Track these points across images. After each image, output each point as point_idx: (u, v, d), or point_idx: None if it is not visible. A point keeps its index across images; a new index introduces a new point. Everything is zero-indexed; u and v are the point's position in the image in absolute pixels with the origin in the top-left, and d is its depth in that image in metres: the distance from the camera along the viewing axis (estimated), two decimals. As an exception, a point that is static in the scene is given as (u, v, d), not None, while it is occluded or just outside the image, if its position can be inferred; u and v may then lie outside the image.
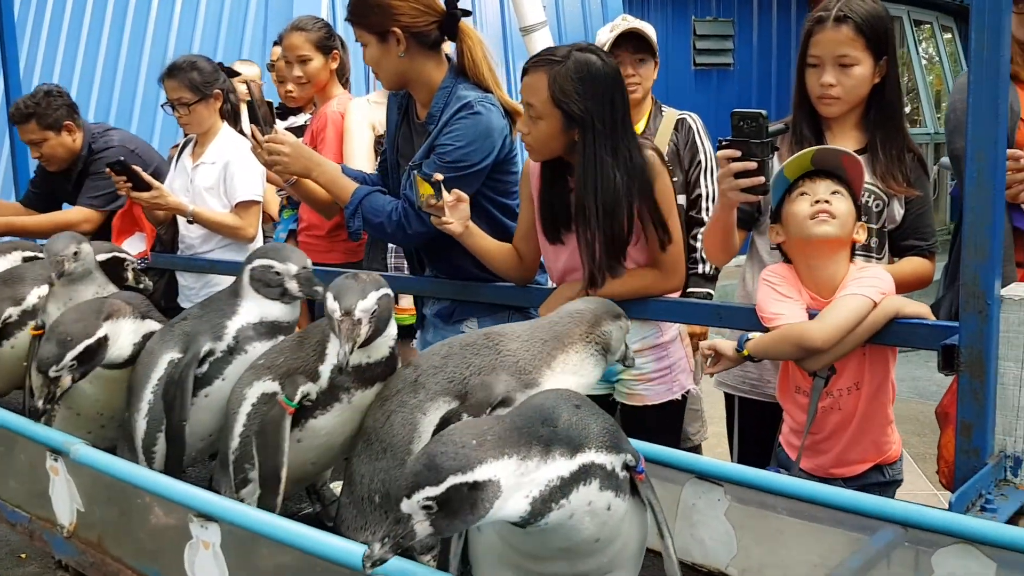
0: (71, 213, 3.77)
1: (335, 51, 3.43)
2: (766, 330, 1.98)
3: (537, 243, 2.36)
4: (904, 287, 2.07)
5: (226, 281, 3.42)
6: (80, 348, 1.72)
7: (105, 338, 1.78)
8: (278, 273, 1.78)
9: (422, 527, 1.05)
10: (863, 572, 1.18)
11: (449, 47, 2.55)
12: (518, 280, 2.44)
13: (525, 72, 2.17)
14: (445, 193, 2.21)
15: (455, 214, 2.24)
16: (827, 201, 1.90)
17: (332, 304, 1.48)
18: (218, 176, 3.39)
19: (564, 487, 1.13)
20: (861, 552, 1.19)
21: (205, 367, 1.73)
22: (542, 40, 5.13)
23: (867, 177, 2.11)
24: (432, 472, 1.05)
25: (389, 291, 1.59)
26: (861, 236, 1.95)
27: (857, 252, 2.04)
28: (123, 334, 1.86)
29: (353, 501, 1.54)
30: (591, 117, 2.09)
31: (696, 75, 9.06)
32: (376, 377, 1.53)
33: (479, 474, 1.05)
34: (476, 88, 2.44)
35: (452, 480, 1.05)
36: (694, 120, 3.17)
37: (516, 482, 1.08)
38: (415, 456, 1.13)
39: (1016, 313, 1.58)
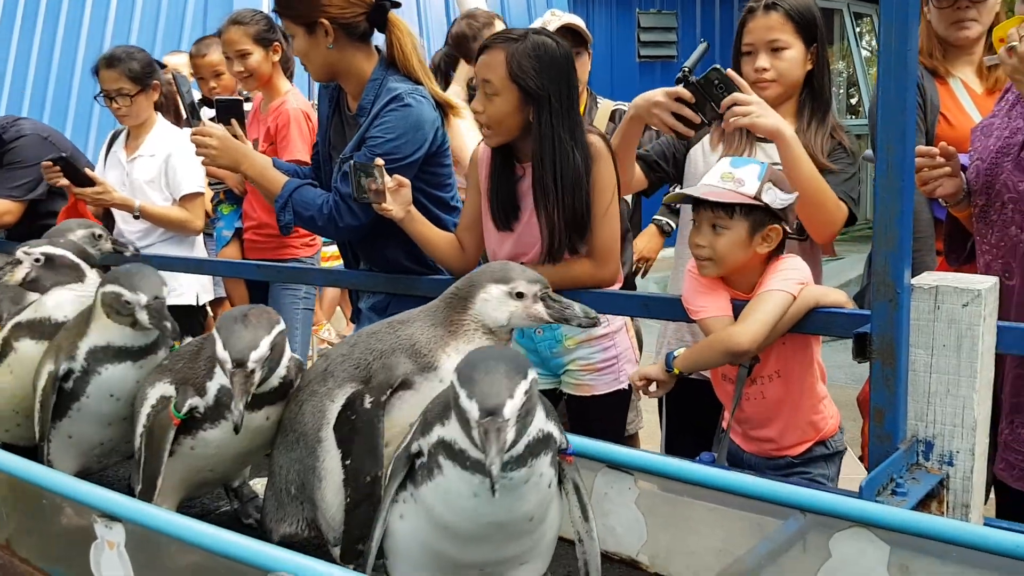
0: None
1: (276, 43, 3.35)
2: (692, 321, 2.01)
3: (481, 233, 2.36)
4: (820, 212, 2.06)
5: (170, 275, 3.41)
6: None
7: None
8: (127, 303, 1.69)
9: (512, 432, 1.09)
10: (769, 558, 1.21)
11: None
12: (458, 271, 2.42)
13: (482, 51, 2.18)
14: (386, 178, 2.20)
15: (396, 199, 2.24)
16: (702, 245, 1.91)
17: (222, 353, 1.41)
18: (159, 169, 3.35)
19: (537, 445, 1.17)
20: (767, 538, 1.22)
21: (70, 383, 1.75)
22: (485, 31, 5.13)
23: None
24: (518, 368, 1.12)
25: (282, 326, 1.53)
26: (764, 248, 1.91)
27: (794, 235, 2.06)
28: None
29: (274, 492, 1.54)
30: (548, 95, 2.11)
31: (641, 67, 9.13)
32: (265, 403, 1.50)
33: (531, 375, 1.16)
34: (407, 80, 2.42)
35: (531, 373, 1.15)
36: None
37: None
38: (481, 372, 1.14)
39: (926, 301, 1.62)
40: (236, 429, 1.40)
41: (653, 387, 2.02)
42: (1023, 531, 1.53)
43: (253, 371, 1.40)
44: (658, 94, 2.05)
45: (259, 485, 1.70)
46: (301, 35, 2.40)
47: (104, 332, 1.73)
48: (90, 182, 3.22)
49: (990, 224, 1.97)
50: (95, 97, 3.45)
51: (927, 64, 2.68)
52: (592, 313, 1.32)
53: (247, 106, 3.64)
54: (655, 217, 3.37)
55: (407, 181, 2.26)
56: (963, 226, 2.12)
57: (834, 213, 2.10)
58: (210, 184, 3.52)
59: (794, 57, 2.19)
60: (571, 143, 2.13)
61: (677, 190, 1.99)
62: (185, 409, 1.48)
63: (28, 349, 1.93)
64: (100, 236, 2.46)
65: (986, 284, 1.60)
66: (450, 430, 1.16)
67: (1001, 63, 1.81)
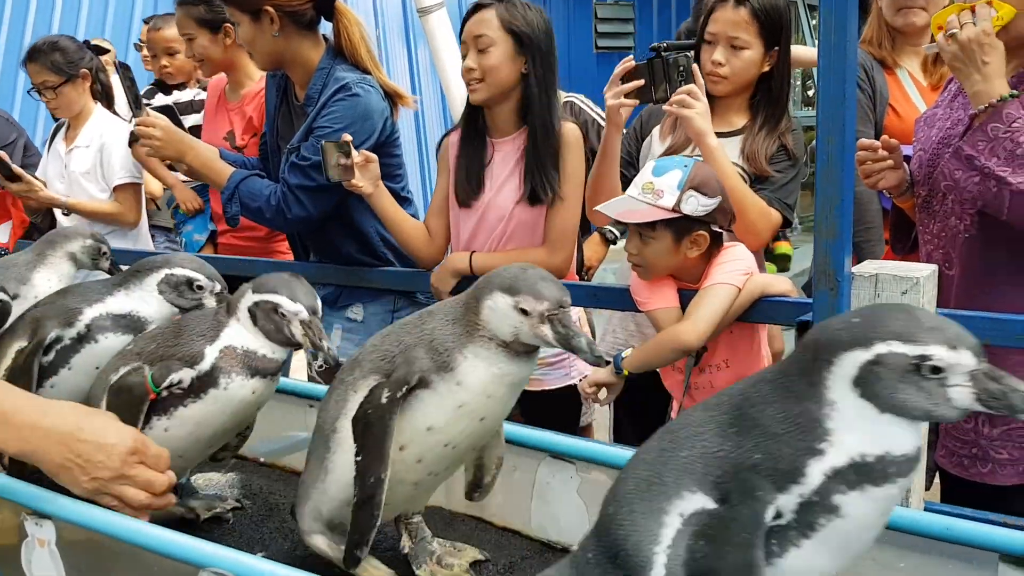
0: None
1: (226, 25, 3.07)
2: (639, 311, 2.03)
3: (448, 220, 2.36)
4: (744, 217, 2.06)
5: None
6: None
7: None
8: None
9: None
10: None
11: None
12: (424, 256, 2.42)
13: (472, 13, 2.23)
14: (355, 153, 2.20)
15: (365, 174, 2.24)
16: (632, 253, 1.94)
17: (293, 305, 1.37)
18: (94, 160, 3.27)
19: None
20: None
21: (51, 355, 1.58)
22: (439, 20, 5.11)
23: (735, 157, 2.17)
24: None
25: None
26: (693, 252, 1.91)
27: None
28: None
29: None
30: (537, 43, 2.19)
31: (598, 58, 9.16)
32: (264, 371, 1.42)
33: None
34: (354, 69, 2.41)
35: None
36: (584, 101, 3.20)
37: None
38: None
39: (867, 289, 1.64)
40: (336, 362, 1.43)
41: (603, 393, 2.02)
42: (958, 514, 1.57)
43: (322, 318, 1.40)
44: (611, 81, 2.10)
45: (201, 480, 1.66)
46: (246, 22, 2.36)
47: (126, 301, 1.59)
48: (17, 178, 3.14)
49: (932, 214, 2.00)
50: (28, 92, 3.38)
51: (876, 55, 2.71)
52: (598, 352, 1.21)
53: (182, 94, 3.53)
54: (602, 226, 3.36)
55: (374, 156, 2.26)
56: (908, 216, 2.15)
57: (757, 222, 2.12)
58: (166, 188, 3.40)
59: (751, 57, 2.19)
60: (555, 97, 2.22)
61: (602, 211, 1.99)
62: (166, 383, 1.37)
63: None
64: (104, 254, 2.23)
65: (925, 272, 1.63)
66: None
67: (940, 50, 1.83)
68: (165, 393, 1.39)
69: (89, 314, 1.60)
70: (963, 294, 1.90)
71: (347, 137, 2.21)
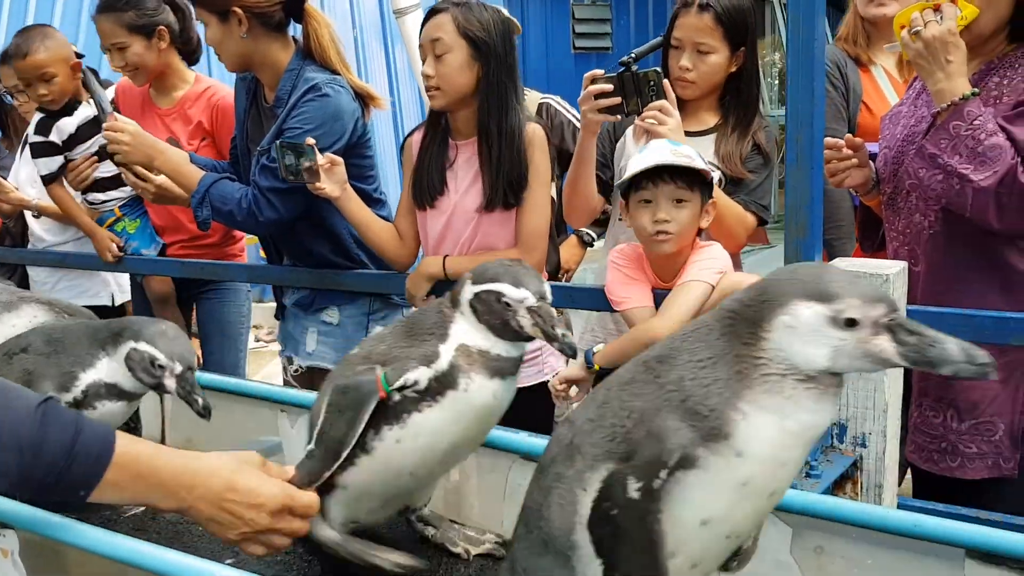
0: None
1: (160, 28, 2.85)
2: (614, 310, 2.03)
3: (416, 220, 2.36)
4: (720, 223, 2.07)
5: (80, 275, 3.31)
6: None
7: None
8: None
9: None
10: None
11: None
12: (396, 259, 2.41)
13: (429, 17, 2.21)
14: (319, 156, 2.19)
15: (331, 178, 2.23)
16: (666, 220, 1.89)
17: (519, 292, 1.22)
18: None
19: None
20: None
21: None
22: (415, 22, 5.08)
23: (708, 156, 2.17)
24: None
25: None
26: (706, 222, 1.95)
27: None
28: None
29: None
30: (494, 48, 2.17)
31: (576, 59, 9.17)
32: (503, 371, 1.28)
33: None
34: (324, 70, 2.39)
35: None
36: (560, 103, 3.19)
37: None
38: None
39: (837, 287, 1.64)
40: (573, 352, 1.26)
41: (573, 390, 2.01)
42: (928, 510, 1.58)
43: (551, 303, 1.27)
44: (583, 96, 2.07)
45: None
46: (214, 23, 2.35)
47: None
48: None
49: (897, 211, 2.01)
50: (0, 94, 3.33)
51: (850, 51, 2.73)
52: (978, 356, 0.94)
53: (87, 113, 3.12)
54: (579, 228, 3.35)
55: (340, 159, 2.25)
56: (875, 214, 2.16)
57: (734, 228, 2.14)
58: (91, 204, 3.07)
59: (717, 62, 2.20)
60: (515, 100, 2.21)
61: (630, 171, 1.97)
62: (399, 383, 1.21)
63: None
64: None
65: (894, 268, 1.64)
66: None
67: (904, 48, 1.84)
68: (398, 396, 1.25)
69: (84, 380, 1.58)
70: (929, 290, 1.91)
71: (310, 140, 2.19)
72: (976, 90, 1.79)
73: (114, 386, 1.57)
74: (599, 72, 2.08)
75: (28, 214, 3.31)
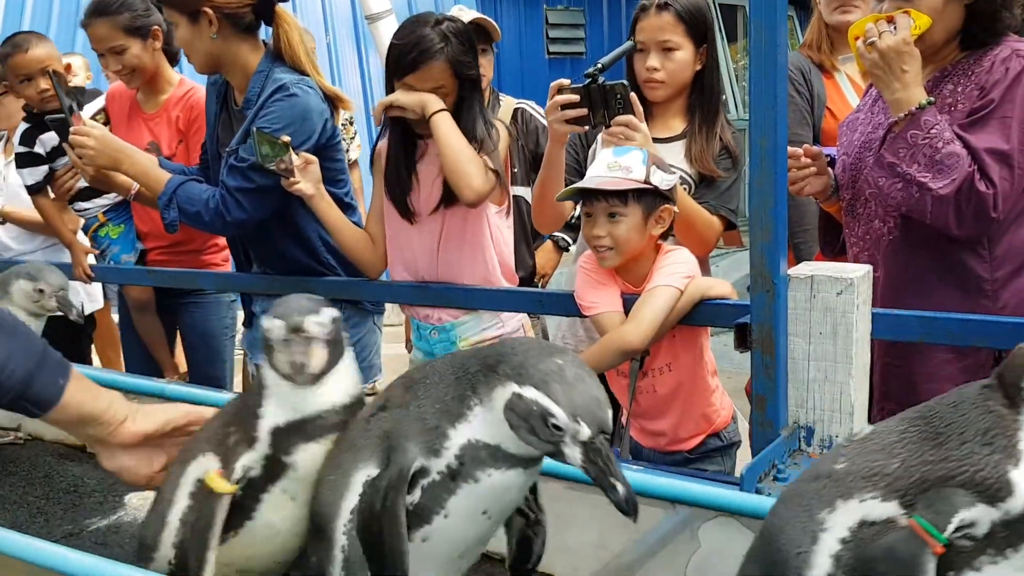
0: None
1: (154, 28, 2.86)
2: (584, 316, 2.03)
3: None
4: (690, 229, 2.11)
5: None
6: None
7: None
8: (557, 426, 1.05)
9: None
10: (645, 551, 1.21)
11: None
12: (368, 263, 2.39)
13: (419, 64, 2.12)
14: (294, 155, 2.18)
15: (306, 176, 2.22)
16: (600, 235, 1.91)
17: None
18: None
19: None
20: (643, 532, 1.23)
21: (417, 494, 1.14)
22: (387, 28, 5.08)
23: (680, 163, 2.18)
24: None
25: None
26: (658, 230, 1.94)
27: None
28: None
29: None
30: (472, 66, 2.19)
31: (550, 63, 9.20)
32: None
33: None
34: (293, 72, 2.39)
35: None
36: (534, 109, 3.20)
37: None
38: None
39: (803, 291, 1.65)
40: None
41: None
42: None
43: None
44: (550, 106, 2.07)
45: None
46: (184, 24, 2.33)
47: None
48: None
49: (856, 218, 2.03)
50: None
51: (815, 58, 2.75)
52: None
53: (99, 101, 3.19)
54: (552, 233, 3.36)
55: (314, 158, 2.24)
56: (835, 219, 2.18)
57: (704, 233, 2.17)
58: (78, 211, 3.06)
59: (684, 58, 2.22)
60: (479, 104, 2.22)
61: (563, 192, 1.99)
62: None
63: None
64: (43, 291, 2.19)
65: (859, 272, 1.65)
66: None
67: (860, 58, 1.86)
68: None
69: (455, 440, 1.12)
70: (888, 295, 1.93)
71: (286, 139, 2.19)
72: (932, 99, 1.82)
73: (497, 448, 1.11)
74: (565, 81, 2.07)
75: (-8, 221, 3.28)
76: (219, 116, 2.55)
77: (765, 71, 1.57)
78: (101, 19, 2.79)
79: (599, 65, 2.05)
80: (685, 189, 2.20)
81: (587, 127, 2.08)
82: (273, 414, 1.22)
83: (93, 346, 3.81)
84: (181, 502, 1.25)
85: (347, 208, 2.47)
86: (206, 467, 1.23)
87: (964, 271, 1.89)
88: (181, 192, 2.38)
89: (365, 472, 1.13)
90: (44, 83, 2.87)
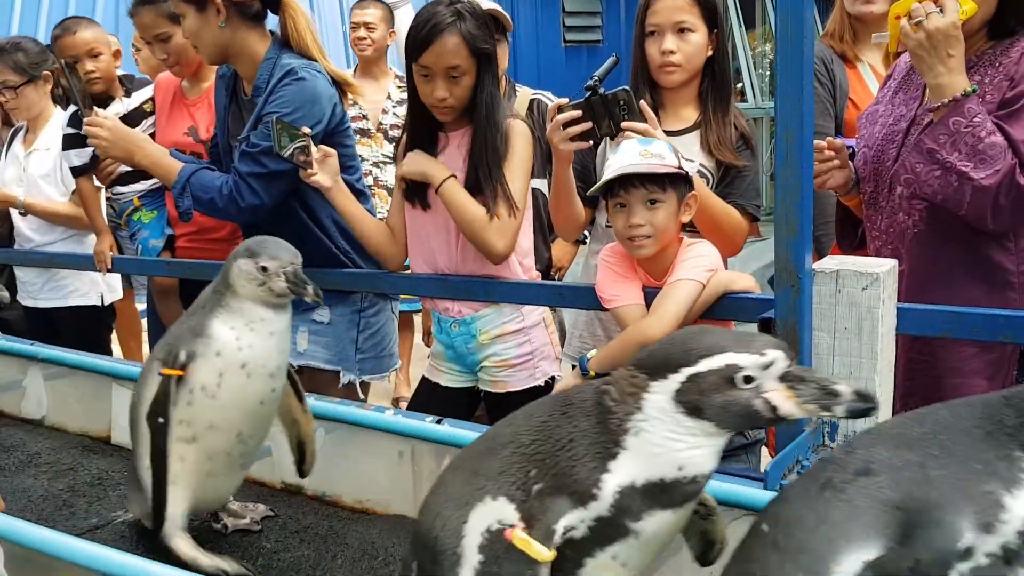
0: None
1: None
2: (605, 309, 2.02)
3: None
4: (712, 225, 2.11)
5: (69, 275, 3.28)
6: None
7: None
8: None
9: None
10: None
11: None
12: (387, 255, 2.38)
13: (433, 39, 2.11)
14: (314, 149, 2.19)
15: (324, 168, 2.22)
16: (640, 224, 1.88)
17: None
18: (53, 163, 3.22)
19: None
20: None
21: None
22: (404, 17, 5.05)
23: (696, 154, 2.17)
24: None
25: None
26: (687, 217, 1.95)
27: (687, 227, 2.08)
28: None
29: None
30: (491, 52, 2.18)
31: (567, 52, 9.15)
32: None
33: None
34: (301, 58, 2.39)
35: None
36: (551, 99, 3.18)
37: None
38: None
39: (827, 285, 1.64)
40: None
41: None
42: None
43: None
44: (552, 126, 2.02)
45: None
46: (191, 14, 2.34)
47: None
48: None
49: (879, 210, 2.00)
50: None
51: (837, 48, 2.72)
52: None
53: (132, 101, 3.26)
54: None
55: (333, 151, 2.24)
56: (854, 213, 2.16)
57: (734, 236, 2.17)
58: (113, 195, 3.16)
59: (699, 41, 2.20)
60: (498, 95, 2.20)
61: (598, 183, 1.96)
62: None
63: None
64: (266, 269, 2.08)
65: (885, 267, 1.63)
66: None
67: (903, 38, 1.81)
68: None
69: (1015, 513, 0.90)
70: (913, 288, 1.91)
71: (306, 130, 2.19)
72: (975, 87, 1.78)
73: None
74: (564, 101, 2.04)
75: (15, 213, 3.29)
76: (228, 108, 2.56)
77: (792, 65, 1.55)
78: (146, 7, 2.86)
79: (595, 77, 2.02)
80: (706, 182, 2.18)
81: (591, 141, 2.03)
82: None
83: (114, 335, 3.84)
84: (471, 558, 1.08)
85: (359, 195, 2.46)
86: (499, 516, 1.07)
87: (990, 264, 1.87)
88: (195, 180, 2.39)
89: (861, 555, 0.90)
90: (90, 65, 2.97)
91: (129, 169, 2.92)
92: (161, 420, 1.42)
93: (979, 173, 1.73)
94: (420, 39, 2.13)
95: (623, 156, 1.91)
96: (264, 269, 1.46)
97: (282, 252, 1.49)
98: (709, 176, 2.20)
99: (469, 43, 2.12)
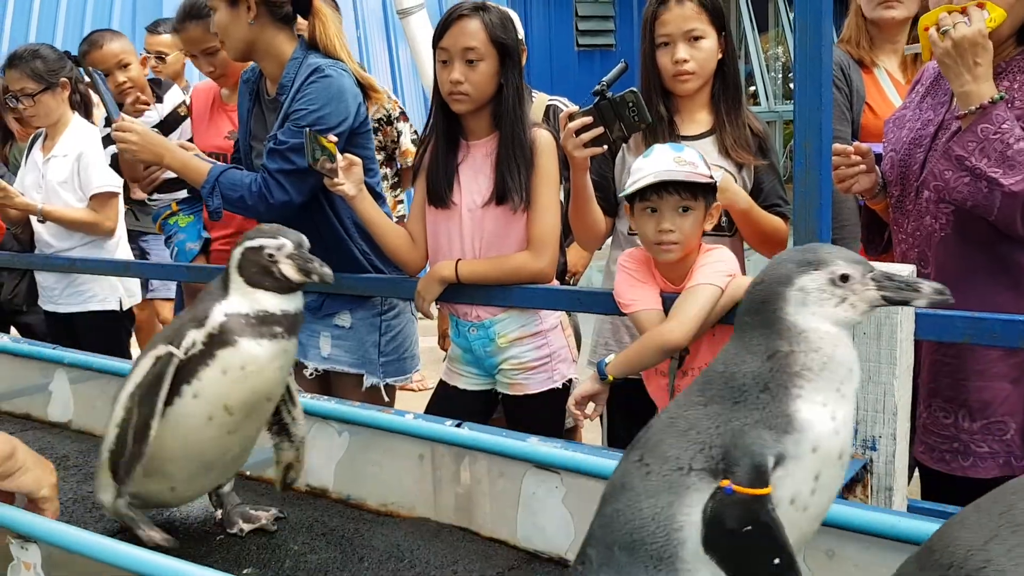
0: None
1: None
2: (622, 314, 2.03)
3: None
4: (762, 238, 2.18)
5: (88, 280, 3.32)
6: None
7: None
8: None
9: None
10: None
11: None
12: (409, 262, 2.40)
13: (454, 21, 2.18)
14: (339, 157, 2.22)
15: (349, 177, 2.25)
16: (671, 230, 1.90)
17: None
18: (71, 169, 3.26)
19: None
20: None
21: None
22: (419, 22, 5.12)
23: (715, 158, 2.18)
24: None
25: None
26: (709, 225, 1.97)
27: (708, 232, 2.10)
28: None
29: None
30: (515, 51, 2.22)
31: (580, 56, 9.17)
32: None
33: None
34: (327, 59, 2.42)
35: None
36: (566, 105, 3.19)
37: None
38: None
39: (847, 291, 1.65)
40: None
41: (590, 408, 1.99)
42: (939, 512, 1.59)
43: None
44: (564, 134, 2.04)
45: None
46: (223, 8, 2.38)
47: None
48: None
49: (906, 214, 2.01)
50: (3, 98, 3.35)
51: (854, 54, 2.73)
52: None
53: (164, 106, 3.34)
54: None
55: (358, 160, 2.27)
56: (880, 217, 2.16)
57: (774, 240, 2.21)
58: (149, 199, 3.26)
59: (710, 47, 2.22)
60: (525, 102, 2.25)
61: (634, 186, 1.97)
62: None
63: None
64: (272, 256, 2.06)
65: (904, 272, 1.64)
66: None
67: (932, 47, 1.81)
68: None
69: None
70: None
71: (332, 138, 2.22)
72: (1003, 94, 1.78)
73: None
74: (574, 108, 2.07)
75: (34, 220, 3.33)
76: (251, 111, 2.59)
77: (811, 73, 1.57)
78: (194, 22, 2.93)
79: (603, 83, 2.04)
80: (740, 184, 2.21)
81: (605, 146, 2.05)
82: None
83: (134, 340, 3.88)
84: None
85: (377, 198, 2.48)
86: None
87: (1017, 268, 1.88)
88: (224, 179, 2.42)
89: None
90: (121, 76, 3.08)
91: (172, 176, 2.95)
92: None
93: (1008, 179, 1.74)
94: (441, 24, 2.20)
95: (656, 161, 1.92)
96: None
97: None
98: (734, 177, 2.22)
99: (488, 30, 2.16)
